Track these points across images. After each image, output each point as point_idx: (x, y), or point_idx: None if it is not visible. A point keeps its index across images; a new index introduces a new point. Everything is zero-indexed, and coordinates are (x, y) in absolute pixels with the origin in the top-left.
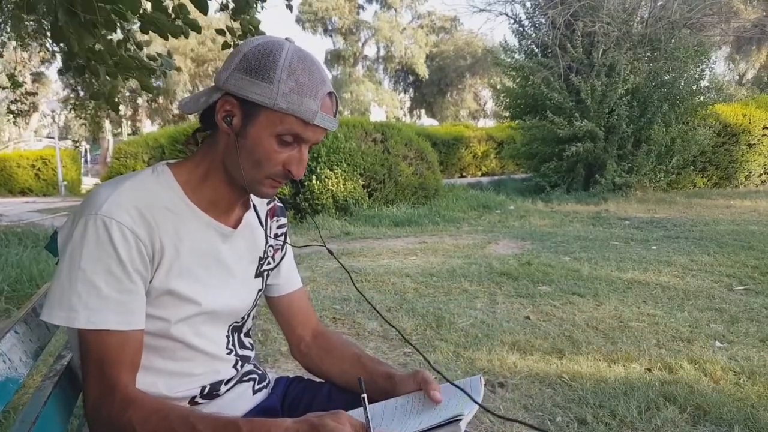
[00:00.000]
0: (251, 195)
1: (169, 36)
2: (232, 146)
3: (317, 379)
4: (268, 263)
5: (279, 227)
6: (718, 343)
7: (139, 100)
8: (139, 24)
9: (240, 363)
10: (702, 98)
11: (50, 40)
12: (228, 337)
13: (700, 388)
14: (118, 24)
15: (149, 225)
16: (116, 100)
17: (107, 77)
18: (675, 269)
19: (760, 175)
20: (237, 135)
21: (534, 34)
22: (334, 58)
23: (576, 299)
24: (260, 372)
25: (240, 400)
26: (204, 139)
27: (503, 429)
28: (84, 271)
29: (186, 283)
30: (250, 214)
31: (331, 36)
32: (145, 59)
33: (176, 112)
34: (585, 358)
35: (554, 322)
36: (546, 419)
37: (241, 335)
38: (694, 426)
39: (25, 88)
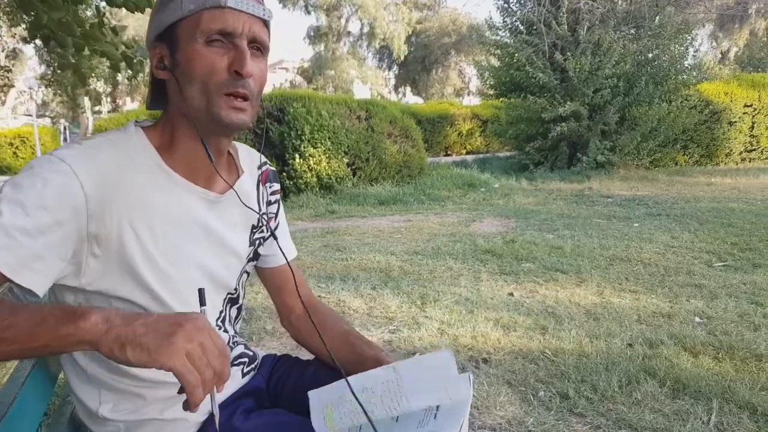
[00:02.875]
0: (239, 159)
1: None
2: (175, 85)
3: (304, 358)
4: (261, 231)
5: (272, 194)
6: (697, 319)
7: (119, 77)
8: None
9: (229, 342)
10: (685, 76)
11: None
12: (222, 311)
13: (679, 362)
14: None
15: (108, 190)
16: (83, 71)
17: (74, 50)
18: (656, 246)
19: (741, 153)
20: (172, 70)
21: (519, 11)
22: (317, 34)
23: (559, 276)
24: (251, 354)
25: (228, 383)
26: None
27: (486, 403)
28: None
29: (171, 260)
30: (241, 181)
31: (311, 12)
32: (122, 46)
33: None
34: (567, 333)
35: (537, 299)
36: (529, 394)
37: (234, 308)
38: (674, 399)
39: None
